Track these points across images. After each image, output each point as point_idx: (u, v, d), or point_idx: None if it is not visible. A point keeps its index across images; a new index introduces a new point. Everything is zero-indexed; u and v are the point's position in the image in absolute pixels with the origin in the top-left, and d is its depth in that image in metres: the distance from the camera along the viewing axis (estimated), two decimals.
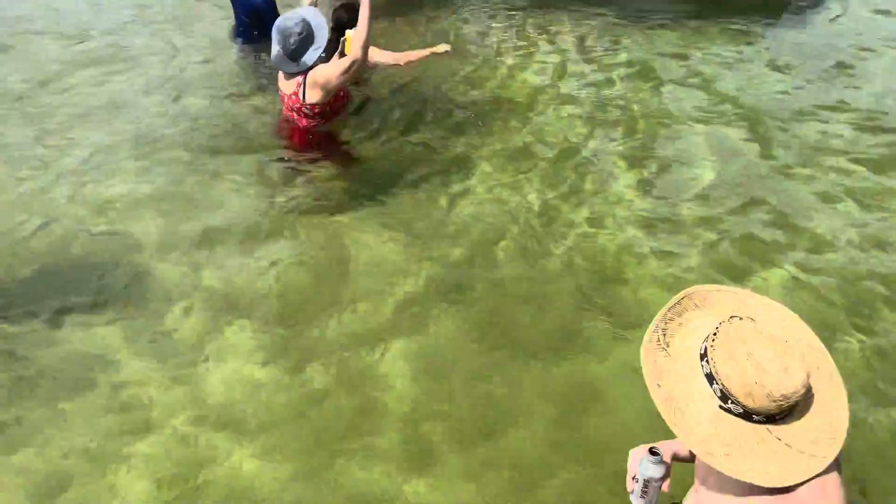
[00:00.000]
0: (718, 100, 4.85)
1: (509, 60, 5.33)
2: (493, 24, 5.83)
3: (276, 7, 5.34)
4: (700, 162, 4.28)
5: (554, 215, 3.90)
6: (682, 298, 1.75)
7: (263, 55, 5.36)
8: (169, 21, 6.12)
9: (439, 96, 4.95)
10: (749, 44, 5.57)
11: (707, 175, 4.17)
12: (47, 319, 3.29)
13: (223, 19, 5.94)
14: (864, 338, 3.15)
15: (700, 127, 4.59)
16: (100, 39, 5.81)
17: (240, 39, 5.57)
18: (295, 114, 4.21)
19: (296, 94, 4.09)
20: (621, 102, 4.81)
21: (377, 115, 4.71)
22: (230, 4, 5.59)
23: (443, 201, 4.03)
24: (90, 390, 2.98)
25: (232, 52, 5.58)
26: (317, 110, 4.15)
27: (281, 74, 4.20)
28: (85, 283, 3.48)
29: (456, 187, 4.13)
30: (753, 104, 4.82)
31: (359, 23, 3.89)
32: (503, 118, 4.70)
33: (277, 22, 4.00)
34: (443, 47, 4.81)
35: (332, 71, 3.99)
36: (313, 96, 4.06)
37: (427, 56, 4.88)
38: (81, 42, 5.80)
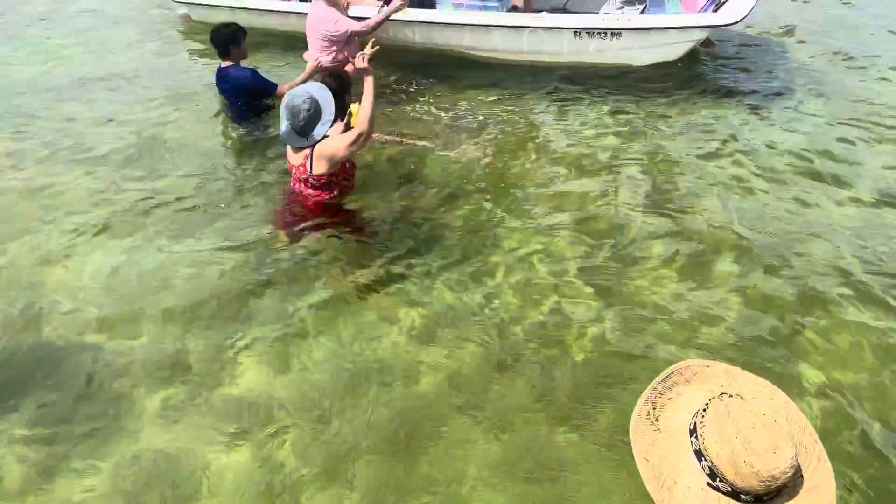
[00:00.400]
0: (736, 168, 4.91)
1: (514, 140, 5.41)
2: (494, 108, 5.96)
3: (264, 81, 5.48)
4: (721, 233, 4.29)
5: (574, 293, 3.83)
6: (673, 373, 1.76)
7: (263, 129, 5.46)
8: (161, 103, 6.14)
9: (449, 172, 4.97)
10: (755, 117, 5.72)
11: (730, 246, 4.18)
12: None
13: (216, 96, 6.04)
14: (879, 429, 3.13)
15: (719, 197, 4.61)
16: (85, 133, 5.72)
17: (233, 117, 5.61)
18: (302, 185, 4.26)
19: (303, 165, 4.15)
20: (637, 179, 4.81)
21: (383, 188, 4.71)
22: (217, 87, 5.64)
23: (454, 283, 3.95)
24: None
25: (229, 130, 5.59)
26: (323, 181, 4.20)
27: (289, 148, 4.28)
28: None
29: (468, 269, 4.05)
30: (771, 171, 4.90)
31: (364, 97, 4.01)
32: (513, 196, 4.68)
33: (286, 100, 4.09)
34: (429, 144, 4.96)
35: (339, 143, 4.07)
36: (320, 167, 4.13)
37: (415, 145, 4.95)
38: (70, 121, 5.82)
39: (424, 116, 5.85)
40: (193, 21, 8.13)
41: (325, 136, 4.10)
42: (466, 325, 3.66)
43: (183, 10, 8.17)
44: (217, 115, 5.79)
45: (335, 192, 4.31)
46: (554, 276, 3.99)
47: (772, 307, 3.73)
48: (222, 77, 5.46)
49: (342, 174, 4.29)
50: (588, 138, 5.39)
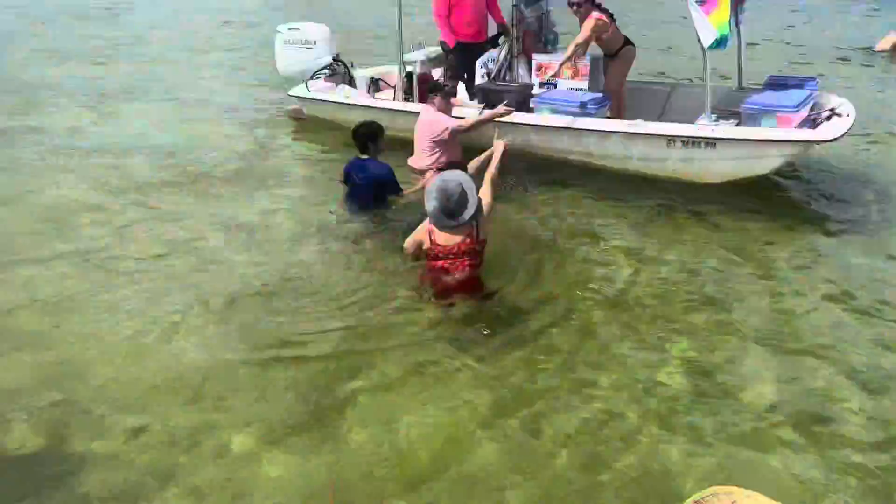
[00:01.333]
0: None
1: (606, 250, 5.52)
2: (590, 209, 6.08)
3: (396, 180, 5.86)
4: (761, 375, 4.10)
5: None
6: (709, 496, 1.68)
7: (385, 220, 5.77)
8: (274, 192, 6.52)
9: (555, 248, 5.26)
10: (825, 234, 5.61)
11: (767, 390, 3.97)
12: None
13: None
14: None
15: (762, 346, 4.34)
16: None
17: (357, 207, 5.92)
18: (467, 258, 4.56)
19: (469, 236, 4.53)
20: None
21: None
22: (345, 177, 6.01)
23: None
24: None
25: (352, 218, 5.89)
26: (484, 244, 4.66)
27: (438, 234, 4.56)
28: None
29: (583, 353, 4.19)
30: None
31: (495, 156, 5.06)
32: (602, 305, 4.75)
33: (438, 183, 4.48)
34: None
35: (488, 198, 4.69)
36: (485, 231, 4.65)
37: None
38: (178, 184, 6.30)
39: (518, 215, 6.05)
40: (303, 117, 8.74)
41: (472, 217, 4.43)
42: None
43: (295, 104, 8.80)
44: (331, 203, 6.16)
45: (482, 260, 4.73)
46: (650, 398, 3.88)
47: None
48: (360, 167, 5.88)
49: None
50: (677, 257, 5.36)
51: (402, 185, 5.91)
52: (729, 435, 3.55)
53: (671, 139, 6.29)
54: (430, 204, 4.47)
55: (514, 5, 7.23)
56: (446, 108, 6.40)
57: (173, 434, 3.54)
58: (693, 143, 6.21)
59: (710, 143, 6.15)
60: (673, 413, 3.72)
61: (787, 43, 14.25)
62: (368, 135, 5.83)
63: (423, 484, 3.24)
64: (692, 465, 3.35)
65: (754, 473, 3.26)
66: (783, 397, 3.82)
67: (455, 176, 4.54)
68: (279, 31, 8.65)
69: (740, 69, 7.42)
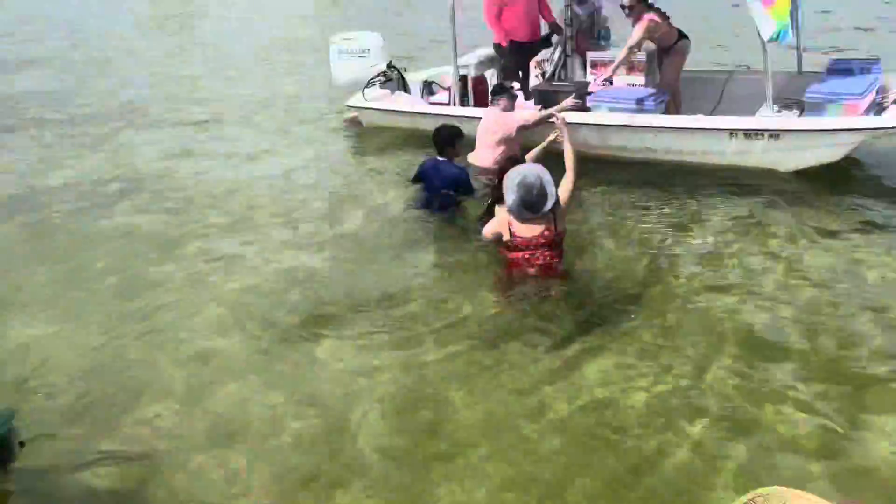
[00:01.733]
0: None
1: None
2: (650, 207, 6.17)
3: (469, 177, 6.09)
4: None
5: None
6: (756, 497, 1.71)
7: (462, 217, 6.02)
8: (342, 200, 6.69)
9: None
10: None
11: None
12: None
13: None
14: None
15: None
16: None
17: (430, 207, 6.11)
18: (547, 250, 4.75)
19: (548, 229, 4.71)
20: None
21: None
22: (418, 177, 6.28)
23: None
24: None
25: (429, 217, 6.09)
26: (563, 235, 4.84)
27: (519, 226, 4.73)
28: None
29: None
30: None
31: (566, 149, 5.14)
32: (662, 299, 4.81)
33: (516, 178, 4.62)
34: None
35: (566, 191, 4.84)
36: (563, 223, 4.81)
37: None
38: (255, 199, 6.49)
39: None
40: (361, 125, 8.83)
41: (551, 209, 4.62)
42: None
43: (351, 113, 8.92)
44: (407, 206, 6.33)
45: (562, 251, 4.91)
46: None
47: None
48: (434, 169, 6.15)
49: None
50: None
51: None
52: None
53: (733, 132, 6.28)
54: (511, 197, 4.60)
55: (566, 5, 7.26)
56: (512, 110, 6.58)
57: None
58: (757, 135, 6.20)
59: (774, 134, 6.12)
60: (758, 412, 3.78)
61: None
62: (449, 138, 6.09)
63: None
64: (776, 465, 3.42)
65: None
66: None
67: (533, 169, 4.68)
68: (333, 42, 8.80)
69: (799, 53, 7.33)
